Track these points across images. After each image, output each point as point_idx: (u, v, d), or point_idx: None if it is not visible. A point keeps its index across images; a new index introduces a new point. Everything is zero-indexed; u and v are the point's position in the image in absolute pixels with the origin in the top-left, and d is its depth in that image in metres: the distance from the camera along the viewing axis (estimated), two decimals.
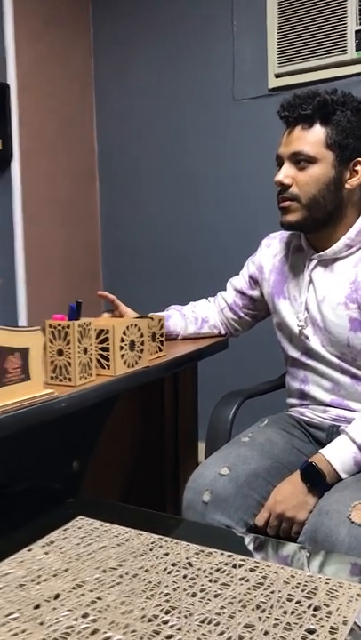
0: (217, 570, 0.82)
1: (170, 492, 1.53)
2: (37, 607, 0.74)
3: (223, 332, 1.59)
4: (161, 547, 0.89)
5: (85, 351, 1.10)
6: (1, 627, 0.70)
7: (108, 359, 1.16)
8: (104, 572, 0.82)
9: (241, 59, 2.74)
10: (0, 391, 0.92)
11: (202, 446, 1.66)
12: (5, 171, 2.82)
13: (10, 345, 0.93)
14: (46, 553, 0.88)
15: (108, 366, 1.16)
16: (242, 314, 1.55)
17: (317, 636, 0.68)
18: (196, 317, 1.55)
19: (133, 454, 1.47)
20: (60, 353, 1.08)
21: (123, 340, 1.17)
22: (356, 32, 2.35)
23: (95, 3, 3.20)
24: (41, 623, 0.71)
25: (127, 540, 0.91)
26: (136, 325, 1.21)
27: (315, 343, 1.33)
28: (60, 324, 1.08)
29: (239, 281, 1.54)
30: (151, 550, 0.88)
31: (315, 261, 1.34)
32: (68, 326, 1.07)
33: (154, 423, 1.53)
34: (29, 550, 0.88)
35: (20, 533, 0.95)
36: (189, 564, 0.84)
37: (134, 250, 3.21)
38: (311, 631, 0.68)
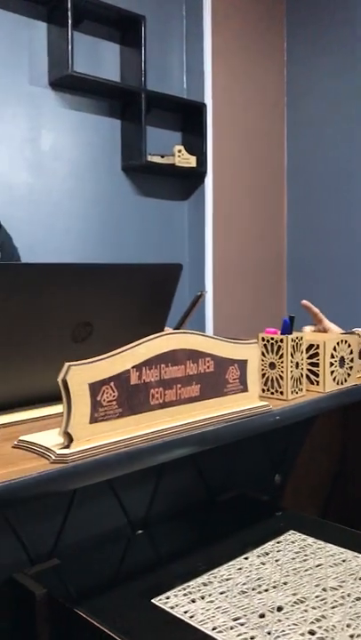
0: None
1: None
2: (262, 616, 0.76)
3: None
4: None
5: (297, 365, 1.10)
6: (230, 630, 0.73)
7: (317, 375, 1.15)
8: (324, 590, 0.81)
9: None
10: (221, 400, 0.95)
11: None
12: (199, 187, 2.94)
13: (230, 356, 0.97)
14: (263, 563, 0.89)
15: (318, 382, 1.15)
16: None
17: None
18: None
19: (332, 471, 1.44)
20: (273, 366, 1.09)
21: (333, 357, 1.16)
22: None
23: (289, 19, 3.23)
24: (268, 633, 0.72)
25: (344, 561, 0.89)
26: (346, 341, 1.19)
27: None
28: (273, 338, 1.09)
29: None
30: None
31: None
32: (282, 340, 1.08)
33: (354, 442, 1.49)
34: (246, 558, 0.90)
35: (233, 540, 0.98)
36: None
37: (320, 264, 3.16)
38: None
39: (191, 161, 2.84)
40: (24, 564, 0.87)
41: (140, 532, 1.02)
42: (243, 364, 0.99)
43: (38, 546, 0.88)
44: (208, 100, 2.90)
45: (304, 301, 1.43)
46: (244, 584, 0.83)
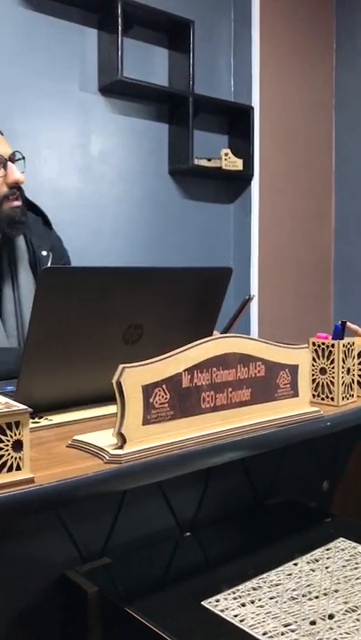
0: None
1: None
2: (313, 623, 0.75)
3: None
4: None
5: (348, 371, 1.09)
6: (281, 636, 0.72)
7: None
8: None
9: None
10: (271, 405, 0.95)
11: None
12: (246, 190, 2.93)
13: (281, 361, 0.97)
14: (312, 570, 0.88)
15: None
16: None
17: None
18: None
19: None
20: (323, 371, 1.08)
21: None
22: None
23: (339, 21, 3.19)
24: None
25: None
26: None
27: None
28: (324, 343, 1.08)
29: None
30: None
31: None
32: (333, 345, 1.07)
33: None
34: (295, 564, 0.90)
35: (282, 545, 0.97)
36: None
37: None
38: None
39: (238, 164, 2.84)
40: (75, 562, 0.88)
41: (187, 534, 1.02)
42: (294, 369, 0.99)
43: (89, 544, 0.90)
44: (255, 103, 2.89)
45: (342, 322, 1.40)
46: (293, 590, 0.83)
